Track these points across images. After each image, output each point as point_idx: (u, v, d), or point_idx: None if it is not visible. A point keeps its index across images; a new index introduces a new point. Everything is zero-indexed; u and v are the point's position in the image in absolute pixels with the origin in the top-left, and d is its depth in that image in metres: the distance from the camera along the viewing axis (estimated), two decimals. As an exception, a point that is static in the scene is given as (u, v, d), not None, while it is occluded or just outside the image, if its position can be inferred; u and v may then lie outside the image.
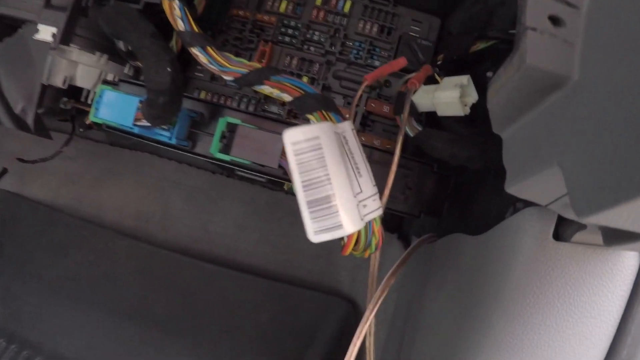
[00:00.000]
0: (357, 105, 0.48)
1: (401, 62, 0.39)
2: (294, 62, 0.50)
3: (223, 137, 0.38)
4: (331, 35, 0.49)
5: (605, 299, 0.27)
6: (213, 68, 0.36)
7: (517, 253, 0.28)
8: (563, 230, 0.27)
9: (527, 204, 0.29)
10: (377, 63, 0.49)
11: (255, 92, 0.47)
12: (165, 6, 0.38)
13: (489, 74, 0.42)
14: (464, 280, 0.34)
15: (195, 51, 0.37)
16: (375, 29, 0.49)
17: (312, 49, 0.50)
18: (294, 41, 0.50)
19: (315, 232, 0.27)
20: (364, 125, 0.48)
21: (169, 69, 0.37)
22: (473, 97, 0.37)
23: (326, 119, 0.31)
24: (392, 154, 0.43)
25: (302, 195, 0.27)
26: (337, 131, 0.29)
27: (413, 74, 0.41)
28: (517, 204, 0.35)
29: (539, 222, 0.27)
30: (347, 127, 0.31)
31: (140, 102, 0.39)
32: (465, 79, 0.36)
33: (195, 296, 0.67)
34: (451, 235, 0.38)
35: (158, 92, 0.37)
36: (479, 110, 0.37)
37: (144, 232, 0.70)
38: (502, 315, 0.29)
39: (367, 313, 0.36)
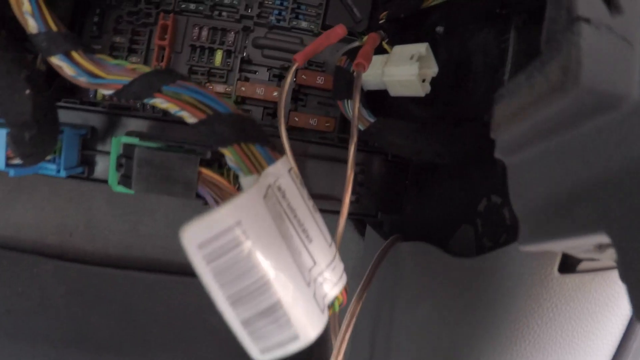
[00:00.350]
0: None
1: (339, 31, 0.30)
2: (204, 33, 0.40)
3: (120, 165, 0.29)
4: (245, -5, 0.39)
5: (609, 322, 0.24)
6: (82, 81, 0.26)
7: (517, 292, 0.23)
8: (569, 259, 0.22)
9: (507, 197, 0.22)
10: (304, 24, 0.39)
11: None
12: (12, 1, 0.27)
13: (439, 29, 0.34)
14: (449, 310, 0.29)
15: (56, 61, 0.26)
16: (298, -18, 0.39)
17: (224, 14, 0.40)
18: (200, 7, 0.39)
19: (262, 352, 0.18)
20: (296, 101, 0.40)
21: (27, 91, 0.27)
22: (433, 70, 0.29)
23: (247, 157, 0.20)
24: (330, 145, 0.36)
25: (232, 316, 0.17)
26: (269, 183, 0.19)
27: (355, 44, 0.32)
28: (492, 197, 0.29)
29: (542, 256, 0.22)
30: (281, 171, 0.20)
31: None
32: (423, 48, 0.28)
33: (138, 311, 0.60)
34: (426, 247, 0.31)
35: (21, 126, 0.27)
36: (438, 86, 0.30)
37: (70, 248, 0.61)
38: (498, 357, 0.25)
39: (334, 352, 0.30)
